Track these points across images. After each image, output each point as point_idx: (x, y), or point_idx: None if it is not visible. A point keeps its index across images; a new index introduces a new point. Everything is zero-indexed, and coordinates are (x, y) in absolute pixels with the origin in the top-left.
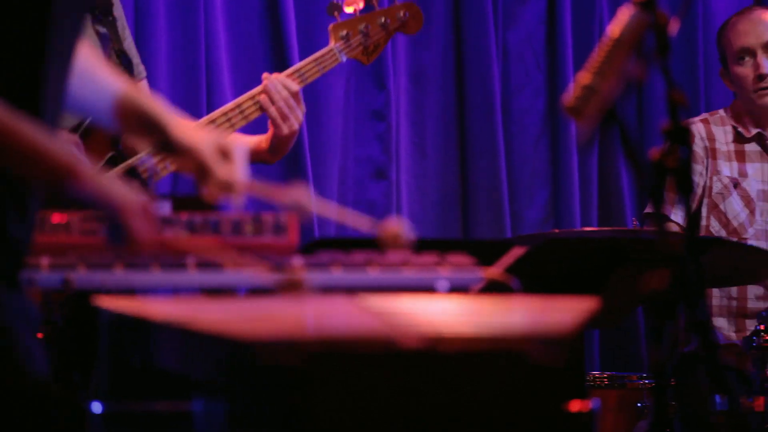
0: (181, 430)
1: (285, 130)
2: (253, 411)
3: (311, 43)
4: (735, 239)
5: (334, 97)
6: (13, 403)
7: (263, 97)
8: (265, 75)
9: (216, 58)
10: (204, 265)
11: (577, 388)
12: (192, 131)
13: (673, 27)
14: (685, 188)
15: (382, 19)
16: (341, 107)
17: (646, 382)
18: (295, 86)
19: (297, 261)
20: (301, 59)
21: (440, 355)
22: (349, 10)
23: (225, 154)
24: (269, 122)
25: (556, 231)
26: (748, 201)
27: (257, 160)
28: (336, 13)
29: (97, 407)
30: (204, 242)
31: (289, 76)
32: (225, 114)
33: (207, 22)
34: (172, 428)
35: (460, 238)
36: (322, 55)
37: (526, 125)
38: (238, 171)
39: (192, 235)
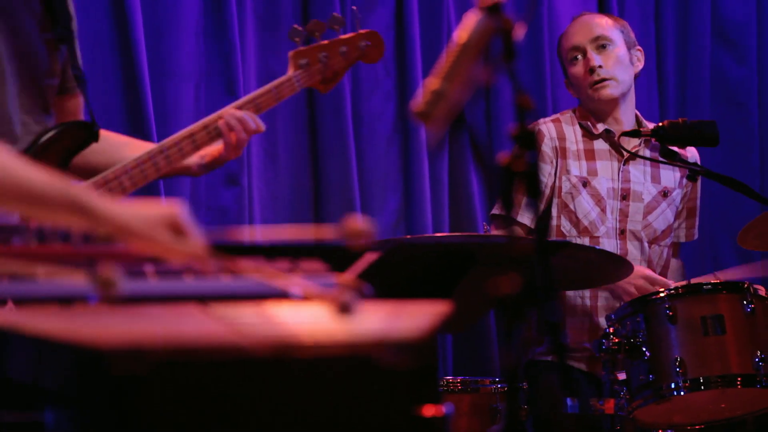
0: None
1: (233, 156)
2: (103, 420)
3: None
4: (587, 238)
5: (185, 103)
6: None
7: (222, 123)
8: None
9: None
10: (54, 274)
11: (430, 393)
12: (129, 215)
13: (519, 32)
14: (533, 192)
15: (343, 48)
16: (192, 113)
17: (499, 386)
18: (252, 125)
19: (148, 268)
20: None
21: (293, 362)
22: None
23: (176, 228)
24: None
25: (408, 236)
26: (598, 199)
27: (184, 174)
28: (297, 39)
29: None
30: (54, 251)
31: (244, 105)
32: (176, 144)
33: None
34: None
35: (312, 244)
36: (281, 84)
37: (377, 130)
38: (196, 242)
39: (42, 244)
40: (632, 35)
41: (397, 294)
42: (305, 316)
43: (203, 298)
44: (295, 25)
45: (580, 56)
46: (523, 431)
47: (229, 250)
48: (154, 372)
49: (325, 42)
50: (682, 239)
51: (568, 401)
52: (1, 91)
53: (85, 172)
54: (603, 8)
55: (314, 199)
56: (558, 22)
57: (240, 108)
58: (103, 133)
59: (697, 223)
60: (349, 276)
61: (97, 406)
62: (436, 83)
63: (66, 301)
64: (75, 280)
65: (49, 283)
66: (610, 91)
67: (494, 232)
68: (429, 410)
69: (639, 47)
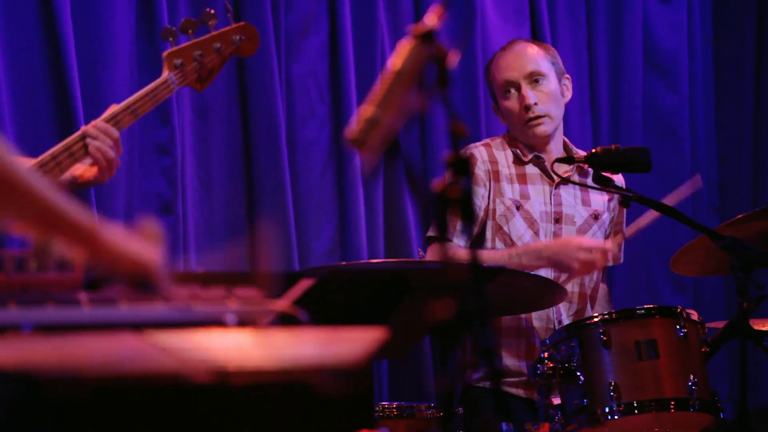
0: None
1: (107, 176)
2: None
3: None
4: None
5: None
6: None
7: (92, 147)
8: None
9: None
10: None
11: (366, 418)
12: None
13: (453, 59)
14: (467, 217)
15: (217, 44)
16: (125, 141)
17: (435, 411)
18: (116, 133)
19: (82, 297)
20: (82, 94)
21: (230, 388)
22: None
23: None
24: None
25: (343, 263)
26: (531, 222)
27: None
28: (171, 39)
29: None
30: None
31: (122, 112)
32: (54, 157)
33: None
34: None
35: (247, 270)
36: (156, 87)
37: (312, 157)
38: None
39: None
40: (561, 63)
41: (333, 320)
42: (241, 342)
43: (139, 326)
44: (168, 25)
45: (513, 90)
46: None
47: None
48: (91, 398)
49: (199, 39)
50: (610, 263)
51: (504, 426)
52: None
53: None
54: (536, 38)
55: (249, 226)
56: (491, 49)
57: (116, 116)
58: None
59: (622, 247)
60: (284, 302)
61: None
62: (371, 110)
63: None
64: (8, 309)
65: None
66: (544, 128)
67: (429, 255)
68: None
69: (567, 75)
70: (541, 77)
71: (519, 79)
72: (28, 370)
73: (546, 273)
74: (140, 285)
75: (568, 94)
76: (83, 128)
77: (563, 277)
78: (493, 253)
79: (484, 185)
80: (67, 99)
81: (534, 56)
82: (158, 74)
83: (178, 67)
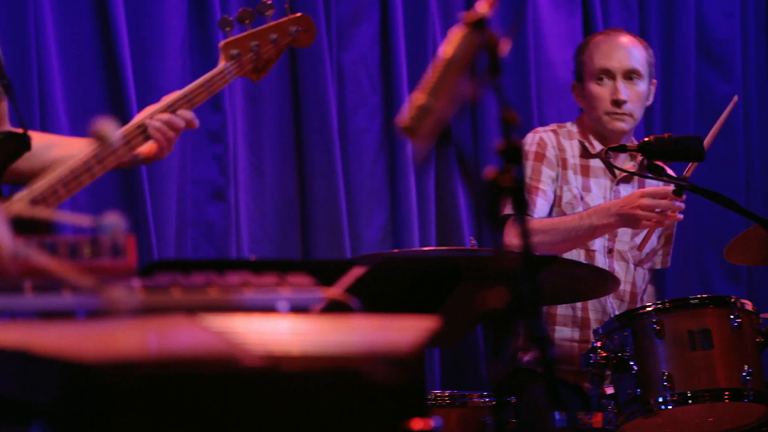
0: None
1: (167, 153)
2: None
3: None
4: (583, 250)
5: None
6: None
7: (151, 130)
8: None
9: (49, 84)
10: (41, 288)
11: (418, 407)
12: None
13: (505, 47)
14: (519, 206)
15: (274, 35)
16: None
17: (487, 399)
18: (181, 123)
19: (135, 282)
20: (138, 104)
21: (281, 375)
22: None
23: None
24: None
25: (395, 251)
26: None
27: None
28: (227, 29)
29: None
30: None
31: (176, 102)
32: (86, 162)
33: (38, 47)
34: None
35: (299, 258)
36: (213, 77)
37: (363, 146)
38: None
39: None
40: (653, 68)
41: (385, 308)
42: (293, 329)
43: (191, 311)
44: (225, 16)
45: (606, 79)
46: None
47: (217, 266)
48: (143, 385)
49: (255, 30)
50: (658, 266)
51: (557, 415)
52: None
53: (14, 179)
54: (589, 28)
55: (301, 214)
56: (542, 36)
57: (172, 105)
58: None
59: (671, 251)
60: (336, 290)
61: (86, 420)
62: (422, 98)
63: (52, 315)
64: (61, 294)
65: (35, 298)
66: (625, 126)
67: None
68: (417, 424)
69: (654, 80)
70: (637, 77)
71: (617, 71)
72: (80, 356)
73: (601, 263)
74: None
75: (651, 99)
76: (145, 121)
77: (638, 239)
78: (564, 219)
79: (554, 169)
80: (120, 88)
81: (637, 54)
82: (210, 64)
83: (235, 58)
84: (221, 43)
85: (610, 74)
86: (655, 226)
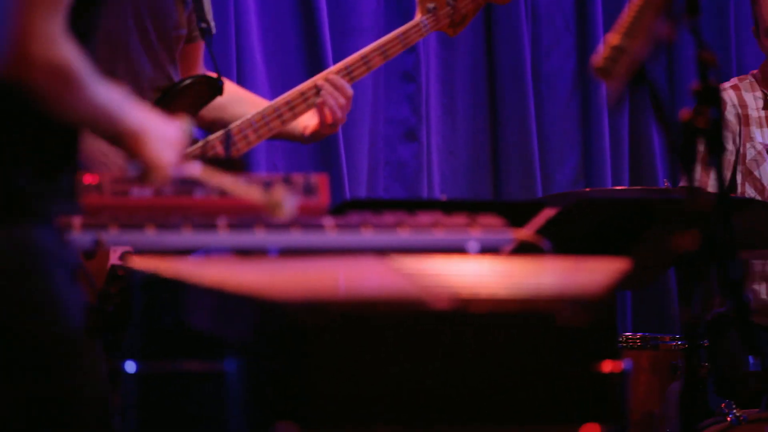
0: (213, 390)
1: (328, 132)
2: (284, 371)
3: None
4: None
5: None
6: (42, 348)
7: (321, 102)
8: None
9: (249, 51)
10: (235, 225)
11: (609, 349)
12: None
13: None
14: (716, 149)
15: None
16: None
17: (679, 343)
18: (350, 91)
19: (327, 222)
20: (333, 48)
21: (470, 316)
22: None
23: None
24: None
25: (587, 190)
26: None
27: (294, 140)
28: None
29: (130, 366)
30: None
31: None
32: (288, 102)
33: (238, 17)
34: (205, 388)
35: (490, 199)
36: (408, 30)
37: (556, 87)
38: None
39: (222, 197)
40: None
41: (576, 250)
42: (483, 270)
43: (383, 251)
44: None
45: None
46: (704, 389)
47: (408, 205)
48: (333, 325)
49: None
50: None
51: (751, 359)
52: (132, 44)
53: (204, 124)
54: None
55: (492, 155)
56: None
57: (350, 66)
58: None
59: None
60: (527, 231)
61: (277, 356)
62: (618, 39)
63: (245, 252)
64: (254, 232)
65: (230, 234)
66: None
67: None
68: (608, 366)
69: None
70: None
71: None
72: (272, 295)
73: None
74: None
75: None
76: (317, 81)
77: None
78: None
79: (734, 129)
80: (315, 31)
81: None
82: (404, 4)
83: (431, 11)
84: None
85: None
86: None
